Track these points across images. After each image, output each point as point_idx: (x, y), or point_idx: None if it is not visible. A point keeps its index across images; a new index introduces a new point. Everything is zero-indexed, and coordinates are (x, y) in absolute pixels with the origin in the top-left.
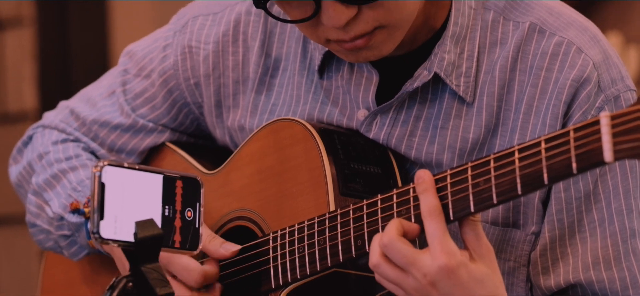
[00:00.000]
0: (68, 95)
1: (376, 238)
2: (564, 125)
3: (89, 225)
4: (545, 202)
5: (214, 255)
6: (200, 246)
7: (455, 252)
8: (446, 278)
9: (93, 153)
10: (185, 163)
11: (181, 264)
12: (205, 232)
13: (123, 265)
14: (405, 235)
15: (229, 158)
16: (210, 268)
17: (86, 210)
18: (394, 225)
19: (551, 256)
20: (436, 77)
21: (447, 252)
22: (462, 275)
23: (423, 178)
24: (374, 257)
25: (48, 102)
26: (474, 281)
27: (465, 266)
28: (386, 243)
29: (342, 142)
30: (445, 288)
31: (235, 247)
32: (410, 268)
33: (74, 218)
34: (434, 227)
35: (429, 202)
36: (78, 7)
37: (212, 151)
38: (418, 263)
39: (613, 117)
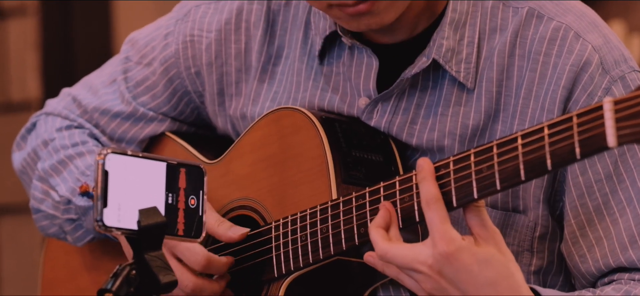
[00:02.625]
0: (71, 84)
1: (372, 259)
2: (565, 110)
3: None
4: (548, 196)
5: (222, 238)
6: (203, 234)
7: (455, 238)
8: (448, 264)
9: (97, 139)
10: (186, 152)
11: (186, 245)
12: (213, 216)
13: (129, 251)
14: (389, 227)
15: (230, 148)
16: (217, 256)
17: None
18: (376, 235)
19: (585, 243)
20: (436, 63)
21: (446, 239)
22: (464, 259)
23: (422, 166)
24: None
25: (51, 91)
26: (479, 264)
27: (468, 250)
28: (382, 255)
29: (343, 130)
30: (451, 274)
31: (244, 230)
32: (413, 264)
33: (82, 202)
34: (433, 215)
35: (427, 190)
36: None
37: (212, 140)
38: (419, 256)
39: (616, 102)
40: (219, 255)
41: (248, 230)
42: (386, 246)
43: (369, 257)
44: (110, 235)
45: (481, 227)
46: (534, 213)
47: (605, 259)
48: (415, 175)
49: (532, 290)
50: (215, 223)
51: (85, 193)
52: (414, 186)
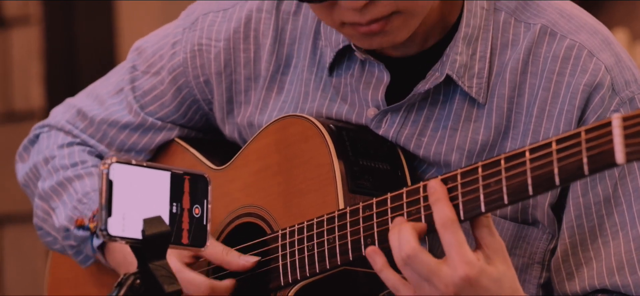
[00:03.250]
0: (75, 92)
1: (394, 247)
2: None
3: (94, 240)
4: (555, 207)
5: (231, 265)
6: (208, 243)
7: (473, 261)
8: (468, 286)
9: (100, 156)
10: (194, 159)
11: (187, 279)
12: (218, 247)
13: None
14: (419, 237)
15: (237, 155)
16: (219, 282)
17: (91, 225)
18: (412, 234)
19: (574, 262)
20: (448, 78)
21: (467, 262)
22: (483, 281)
23: (435, 187)
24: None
25: (55, 100)
26: (492, 283)
27: (484, 271)
28: (410, 255)
29: (350, 139)
30: (467, 294)
31: (254, 258)
32: (433, 278)
33: (79, 233)
34: (451, 238)
35: (443, 213)
36: (84, 5)
37: (220, 146)
38: (441, 273)
39: (625, 119)
40: (227, 280)
41: (258, 258)
42: (418, 249)
43: (371, 251)
44: (109, 265)
45: (490, 238)
46: (550, 227)
47: (591, 280)
48: (424, 185)
49: None
50: (222, 252)
51: (80, 227)
52: (422, 198)
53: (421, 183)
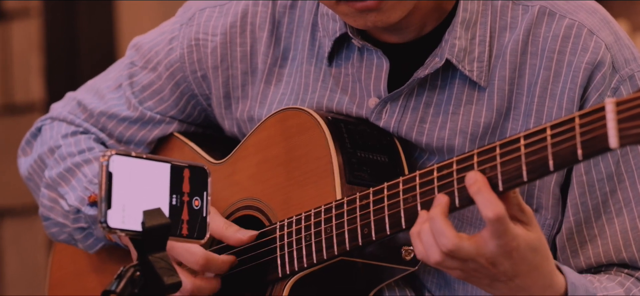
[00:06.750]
0: (75, 86)
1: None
2: (580, 108)
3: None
4: (563, 187)
5: (230, 240)
6: (207, 235)
7: (518, 235)
8: (508, 257)
9: (103, 143)
10: (193, 153)
11: (185, 247)
12: (219, 220)
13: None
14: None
15: (236, 148)
16: (216, 255)
17: None
18: (448, 226)
19: (579, 239)
20: (447, 63)
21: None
22: (522, 251)
23: (475, 178)
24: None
25: (55, 93)
26: (531, 251)
27: (524, 240)
28: (452, 250)
29: (348, 131)
30: (506, 264)
31: (252, 232)
32: (478, 258)
33: (92, 211)
34: (500, 231)
35: (492, 206)
36: None
37: (219, 141)
38: (481, 250)
39: (618, 103)
40: (225, 255)
41: (256, 232)
42: (458, 242)
43: (414, 229)
44: (122, 243)
45: (520, 212)
46: (553, 210)
47: (597, 258)
48: (419, 174)
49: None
50: (223, 226)
51: (94, 203)
52: (418, 186)
53: (417, 172)
